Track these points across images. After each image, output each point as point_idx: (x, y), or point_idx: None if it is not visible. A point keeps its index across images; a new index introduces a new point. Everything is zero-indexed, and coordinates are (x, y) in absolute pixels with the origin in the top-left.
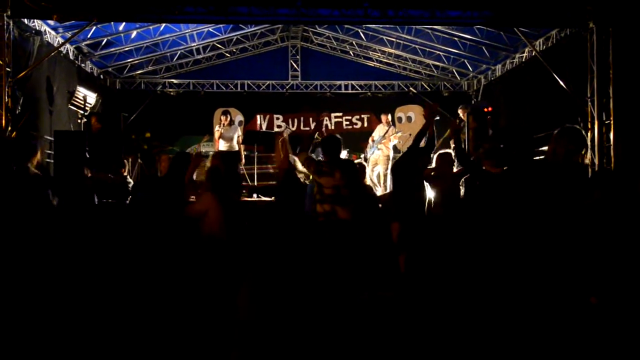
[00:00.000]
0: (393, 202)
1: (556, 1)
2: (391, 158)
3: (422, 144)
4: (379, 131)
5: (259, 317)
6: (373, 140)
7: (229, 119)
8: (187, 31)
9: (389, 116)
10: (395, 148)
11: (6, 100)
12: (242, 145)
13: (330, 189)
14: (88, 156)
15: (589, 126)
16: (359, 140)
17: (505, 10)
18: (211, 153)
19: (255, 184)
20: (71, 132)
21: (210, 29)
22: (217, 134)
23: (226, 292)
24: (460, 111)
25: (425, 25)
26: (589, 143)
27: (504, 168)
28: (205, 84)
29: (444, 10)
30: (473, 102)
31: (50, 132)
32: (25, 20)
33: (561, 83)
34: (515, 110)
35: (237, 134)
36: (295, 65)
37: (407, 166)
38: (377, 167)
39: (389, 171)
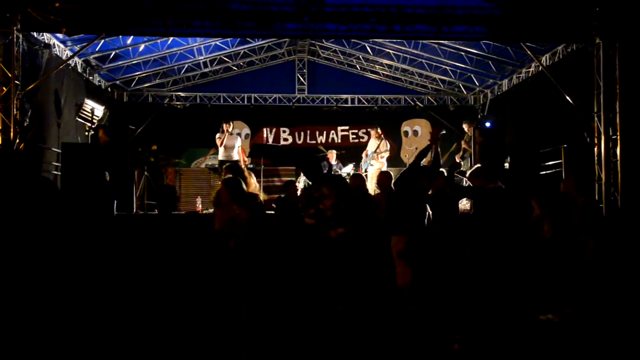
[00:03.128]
0: (394, 215)
1: (563, 16)
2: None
3: (426, 162)
4: (371, 145)
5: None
6: (366, 155)
7: (230, 128)
8: (194, 45)
9: (378, 129)
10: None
11: (15, 112)
12: (243, 156)
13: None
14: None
15: (596, 141)
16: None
17: (511, 25)
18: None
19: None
20: (79, 145)
21: (217, 43)
22: (218, 142)
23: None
24: (465, 126)
25: (431, 40)
26: (595, 158)
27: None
28: (212, 97)
29: (451, 26)
30: (479, 116)
31: (58, 145)
32: (35, 34)
33: (568, 98)
34: (521, 125)
35: (238, 144)
36: (302, 79)
37: (407, 183)
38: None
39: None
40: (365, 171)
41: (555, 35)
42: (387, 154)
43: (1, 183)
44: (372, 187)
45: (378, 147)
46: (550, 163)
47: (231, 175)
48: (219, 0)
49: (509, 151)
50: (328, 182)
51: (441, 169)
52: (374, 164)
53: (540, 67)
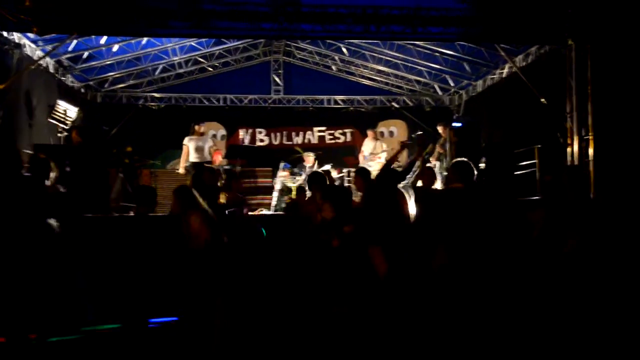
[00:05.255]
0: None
1: (536, 18)
2: None
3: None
4: (367, 147)
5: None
6: (364, 157)
7: (201, 129)
8: (169, 45)
9: (376, 130)
10: None
11: None
12: (219, 157)
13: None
14: (68, 169)
15: (569, 141)
16: (342, 155)
17: (485, 26)
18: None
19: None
20: (51, 146)
21: (192, 43)
22: (185, 146)
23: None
24: (439, 128)
25: (407, 40)
26: (568, 158)
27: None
28: (188, 98)
29: (426, 26)
30: (455, 117)
31: (30, 146)
32: (5, 34)
33: (541, 99)
34: (496, 126)
35: (209, 144)
36: (277, 80)
37: (382, 188)
38: None
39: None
40: None
41: (528, 36)
42: (384, 154)
43: None
44: None
45: (374, 147)
46: (525, 163)
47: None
48: (193, 0)
49: (485, 151)
50: (328, 194)
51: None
52: (372, 165)
53: (514, 68)
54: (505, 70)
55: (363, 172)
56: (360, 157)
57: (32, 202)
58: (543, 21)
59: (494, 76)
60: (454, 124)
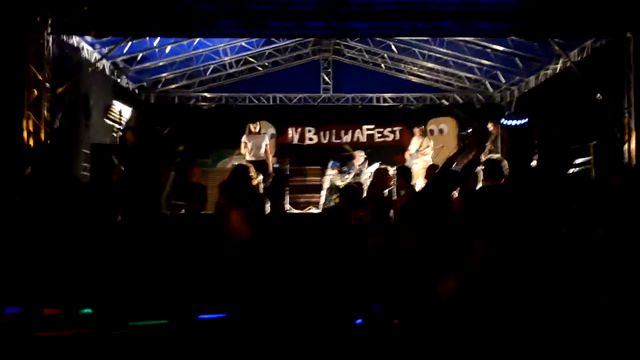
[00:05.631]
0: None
1: (592, 11)
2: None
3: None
4: (414, 144)
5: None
6: (410, 155)
7: (257, 128)
8: (220, 45)
9: (422, 128)
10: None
11: (45, 114)
12: (270, 156)
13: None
14: (123, 169)
15: (626, 137)
16: (392, 153)
17: (537, 20)
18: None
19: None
20: (108, 145)
21: (242, 43)
22: (242, 144)
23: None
24: (490, 125)
25: (456, 36)
26: (626, 155)
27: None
28: (238, 98)
29: (475, 22)
30: (506, 113)
31: (88, 146)
32: (64, 37)
33: (597, 95)
34: (549, 122)
35: (265, 143)
36: (327, 78)
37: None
38: (419, 180)
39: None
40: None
41: (583, 30)
42: (430, 151)
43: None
44: (419, 184)
45: (421, 145)
46: (579, 160)
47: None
48: (243, 1)
49: (537, 149)
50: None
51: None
52: (419, 162)
53: (568, 63)
54: (559, 65)
55: (404, 171)
56: (407, 155)
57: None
58: (599, 13)
59: (547, 71)
60: (506, 121)
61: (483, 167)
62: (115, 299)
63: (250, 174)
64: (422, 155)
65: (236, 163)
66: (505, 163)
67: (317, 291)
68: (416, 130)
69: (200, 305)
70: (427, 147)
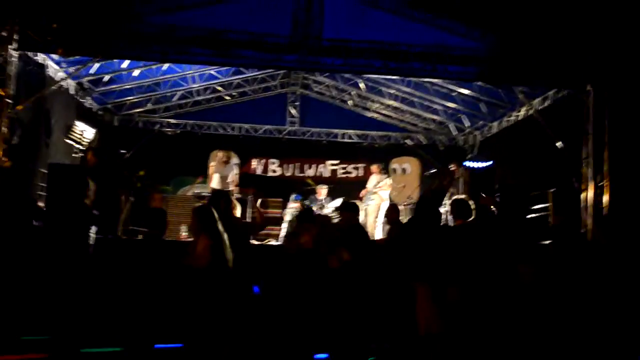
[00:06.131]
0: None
1: (555, 63)
2: (382, 205)
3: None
4: (372, 181)
5: None
6: (367, 192)
7: (226, 157)
8: (189, 72)
9: (381, 165)
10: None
11: (4, 130)
12: (236, 187)
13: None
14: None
15: (584, 187)
16: (354, 190)
17: (504, 68)
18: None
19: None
20: (66, 166)
21: (212, 72)
22: (211, 170)
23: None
24: (452, 167)
25: (426, 78)
26: (583, 204)
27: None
28: (203, 126)
29: (445, 65)
30: (469, 156)
31: (46, 165)
32: (30, 54)
33: (558, 143)
34: (510, 168)
35: (233, 172)
36: (293, 112)
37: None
38: (370, 218)
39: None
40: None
41: (547, 80)
42: (388, 188)
43: None
44: (370, 222)
45: (378, 182)
46: (538, 207)
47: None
48: (218, 30)
49: (498, 192)
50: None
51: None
52: (375, 198)
53: (531, 111)
54: (522, 113)
55: (349, 207)
56: (363, 192)
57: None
58: (562, 66)
59: (510, 118)
60: (469, 163)
61: (451, 207)
62: (69, 324)
63: (233, 202)
64: (379, 190)
65: (197, 191)
66: (471, 202)
67: (279, 324)
68: (374, 167)
69: (157, 334)
70: (385, 184)
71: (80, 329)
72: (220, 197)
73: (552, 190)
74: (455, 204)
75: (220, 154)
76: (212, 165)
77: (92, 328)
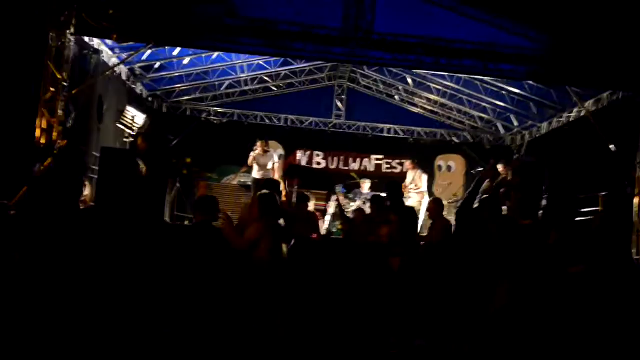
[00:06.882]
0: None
1: (612, 64)
2: (423, 202)
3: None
4: (408, 178)
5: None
6: (406, 188)
7: (265, 146)
8: (237, 62)
9: (415, 161)
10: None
11: (59, 113)
12: (277, 175)
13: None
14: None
15: (636, 192)
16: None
17: (558, 68)
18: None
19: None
20: (118, 150)
21: (260, 62)
22: (250, 159)
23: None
24: (500, 166)
25: (476, 75)
26: (635, 209)
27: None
28: (250, 115)
29: (497, 63)
30: (515, 157)
31: (97, 149)
32: (86, 39)
33: (611, 146)
34: (559, 170)
35: (273, 161)
36: (340, 105)
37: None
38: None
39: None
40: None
41: (602, 81)
42: (422, 184)
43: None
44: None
45: (413, 178)
46: (587, 210)
47: (266, 191)
48: (268, 20)
49: (546, 194)
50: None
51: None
52: (413, 196)
53: (583, 113)
54: (573, 114)
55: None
56: (403, 188)
57: None
58: (619, 67)
59: (561, 119)
60: (524, 165)
61: (515, 206)
62: (121, 308)
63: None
64: (414, 190)
65: (242, 180)
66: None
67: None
68: (408, 163)
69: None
70: (419, 179)
71: (132, 313)
72: (277, 186)
73: (602, 193)
74: (520, 202)
75: (259, 143)
76: (252, 155)
77: (143, 312)
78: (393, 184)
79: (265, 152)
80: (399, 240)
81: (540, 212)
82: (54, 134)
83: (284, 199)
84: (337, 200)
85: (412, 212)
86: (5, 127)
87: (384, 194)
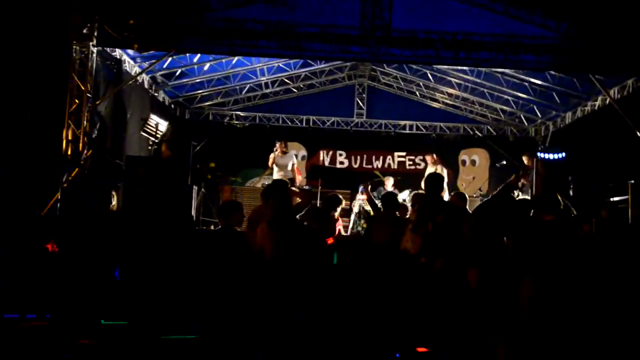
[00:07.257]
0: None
1: (635, 49)
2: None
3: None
4: (428, 172)
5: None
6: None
7: (284, 147)
8: (257, 65)
9: (434, 155)
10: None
11: (85, 124)
12: (298, 176)
13: None
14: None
15: None
16: (421, 181)
17: (579, 56)
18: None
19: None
20: (143, 158)
21: (280, 64)
22: (270, 161)
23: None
24: (524, 159)
25: (497, 68)
26: None
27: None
28: (271, 118)
29: (517, 54)
30: (541, 147)
31: (122, 157)
32: (108, 49)
33: (637, 132)
34: (585, 159)
35: (292, 161)
36: (360, 104)
37: (491, 212)
38: None
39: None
40: None
41: (626, 67)
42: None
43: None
44: None
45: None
46: (617, 199)
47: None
48: (286, 23)
49: (572, 185)
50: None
51: None
52: None
53: (607, 100)
54: (598, 102)
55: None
56: (423, 183)
57: None
58: None
59: (585, 108)
60: (543, 155)
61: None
62: (147, 311)
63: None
64: None
65: (266, 183)
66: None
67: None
68: (428, 157)
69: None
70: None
71: (159, 315)
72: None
73: (631, 181)
74: (544, 198)
75: (278, 144)
76: (272, 156)
77: (171, 315)
78: (434, 176)
79: (284, 152)
80: (472, 246)
81: (564, 207)
82: (80, 145)
83: (298, 199)
84: (363, 197)
85: (461, 211)
86: (33, 139)
87: (421, 191)
